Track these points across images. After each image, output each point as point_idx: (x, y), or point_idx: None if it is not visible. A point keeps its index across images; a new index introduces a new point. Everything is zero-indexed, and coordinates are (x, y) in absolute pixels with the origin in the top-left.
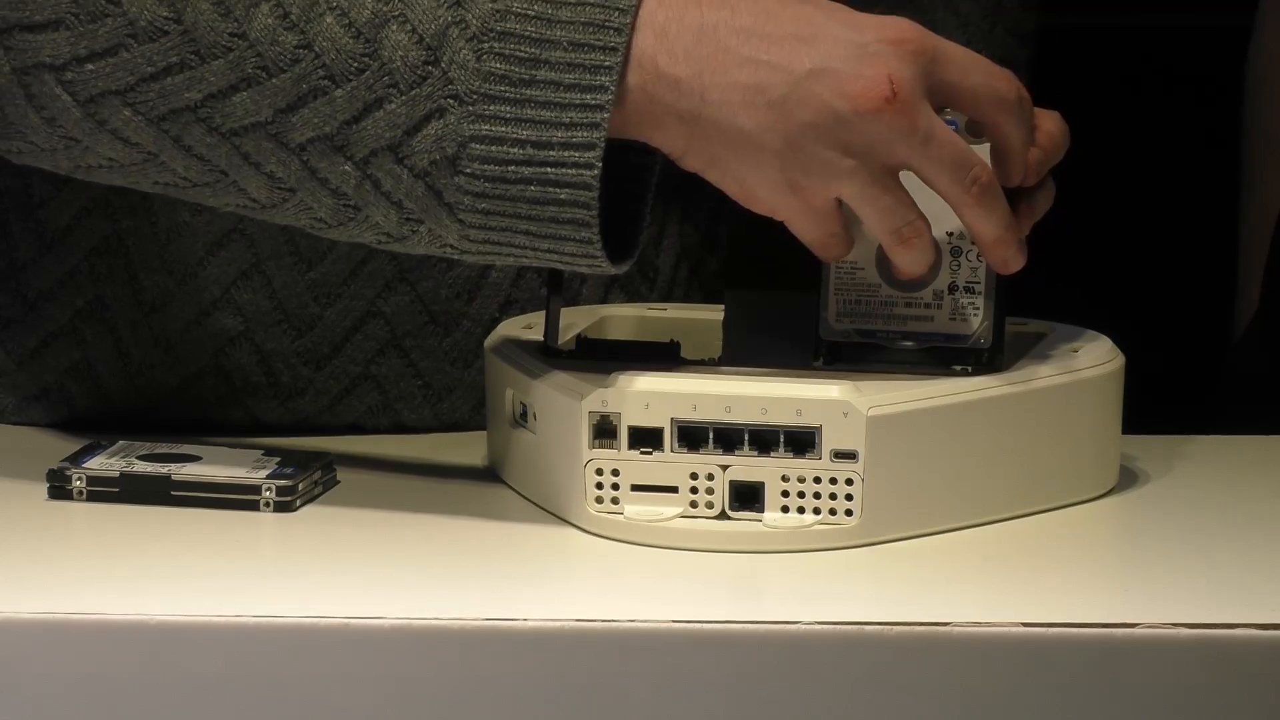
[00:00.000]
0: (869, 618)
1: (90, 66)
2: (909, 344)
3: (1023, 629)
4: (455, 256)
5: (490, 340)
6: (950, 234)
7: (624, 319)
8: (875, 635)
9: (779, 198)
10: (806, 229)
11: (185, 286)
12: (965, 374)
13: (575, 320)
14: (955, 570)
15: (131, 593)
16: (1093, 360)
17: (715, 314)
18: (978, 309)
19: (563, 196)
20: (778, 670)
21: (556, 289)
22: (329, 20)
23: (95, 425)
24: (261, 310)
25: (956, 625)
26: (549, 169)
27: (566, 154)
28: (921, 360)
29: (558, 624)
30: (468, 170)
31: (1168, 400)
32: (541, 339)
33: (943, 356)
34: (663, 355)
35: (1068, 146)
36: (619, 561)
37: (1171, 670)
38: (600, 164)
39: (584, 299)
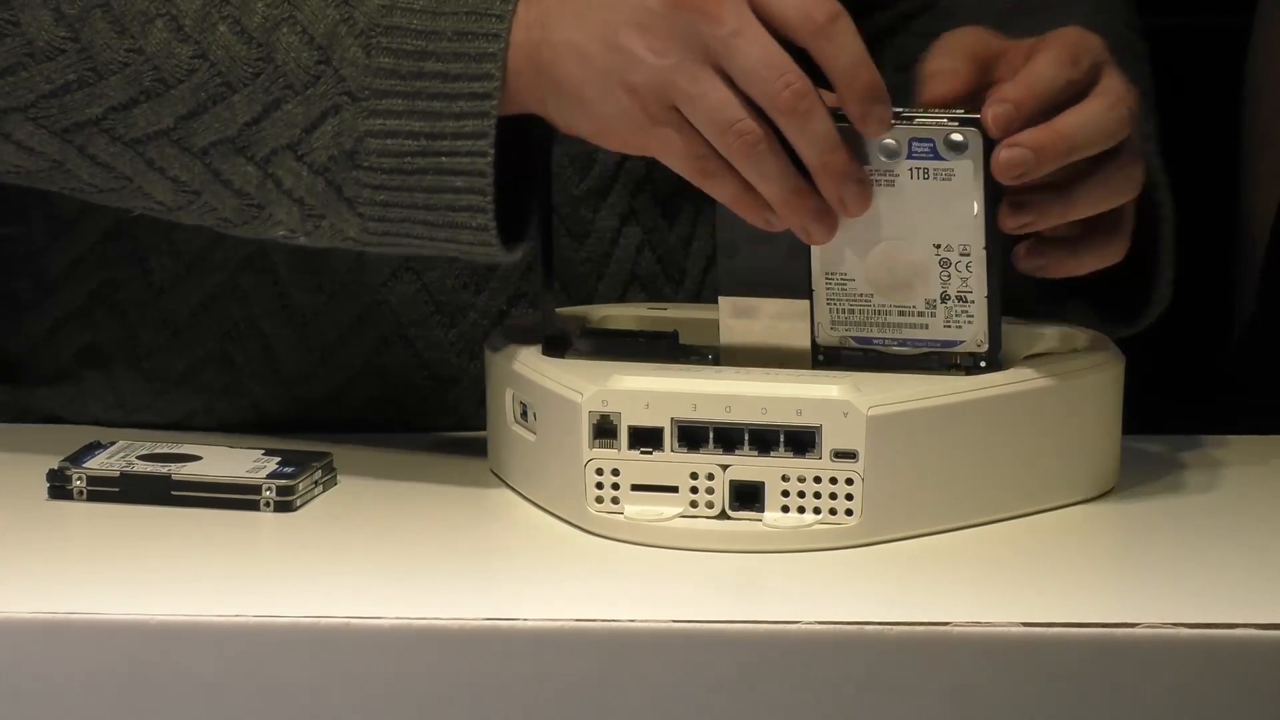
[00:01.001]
0: (869, 618)
1: None
2: (905, 350)
3: (1023, 629)
4: (357, 249)
5: (490, 340)
6: (937, 245)
7: (624, 319)
8: (875, 635)
9: (620, 113)
10: (665, 150)
11: (193, 270)
12: (964, 373)
13: (575, 319)
14: (955, 570)
15: (131, 593)
16: (1093, 360)
17: (715, 313)
18: (971, 317)
19: (458, 184)
20: (778, 670)
21: (550, 286)
22: (222, 29)
23: (102, 411)
24: (266, 296)
25: (956, 625)
26: (443, 158)
27: (460, 143)
28: (919, 365)
29: (558, 624)
30: (365, 164)
31: (1168, 400)
32: (541, 339)
33: (941, 361)
34: (662, 344)
35: (1090, 145)
36: (619, 561)
37: (1171, 670)
38: (492, 151)
39: (599, 297)
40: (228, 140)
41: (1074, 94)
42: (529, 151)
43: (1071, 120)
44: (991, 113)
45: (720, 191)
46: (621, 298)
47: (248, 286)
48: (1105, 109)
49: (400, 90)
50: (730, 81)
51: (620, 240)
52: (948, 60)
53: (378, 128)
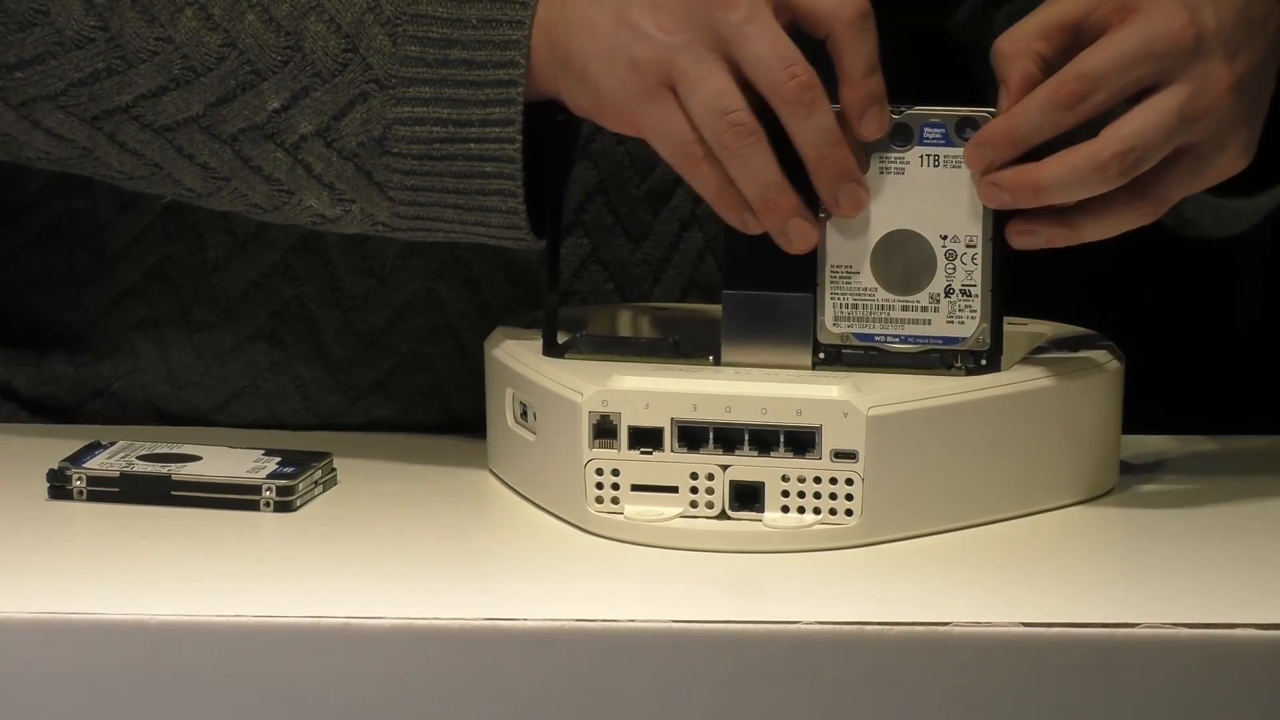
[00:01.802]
0: (869, 618)
1: (20, 74)
2: (907, 347)
3: (1023, 629)
4: (388, 234)
5: (490, 340)
6: (944, 237)
7: (625, 318)
8: (875, 635)
9: (619, 87)
10: (655, 127)
11: (246, 248)
12: (964, 374)
13: (576, 319)
14: (955, 570)
15: (131, 593)
16: (1093, 360)
17: (716, 313)
18: (974, 312)
19: (488, 170)
20: (778, 670)
21: (554, 288)
22: (250, 18)
23: (154, 384)
24: (317, 278)
25: (956, 625)
26: (472, 144)
27: (487, 130)
28: (920, 364)
29: (558, 624)
30: (395, 150)
31: (1168, 400)
32: (542, 339)
33: (941, 359)
34: (662, 352)
35: (1067, 194)
36: (619, 561)
37: (1171, 670)
38: (520, 137)
39: (655, 300)
40: (257, 127)
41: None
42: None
43: (1050, 169)
44: (969, 152)
45: (701, 183)
46: (681, 298)
47: (299, 267)
48: (1087, 163)
49: (427, 78)
50: (733, 74)
51: (681, 245)
52: (1005, 63)
53: (406, 115)
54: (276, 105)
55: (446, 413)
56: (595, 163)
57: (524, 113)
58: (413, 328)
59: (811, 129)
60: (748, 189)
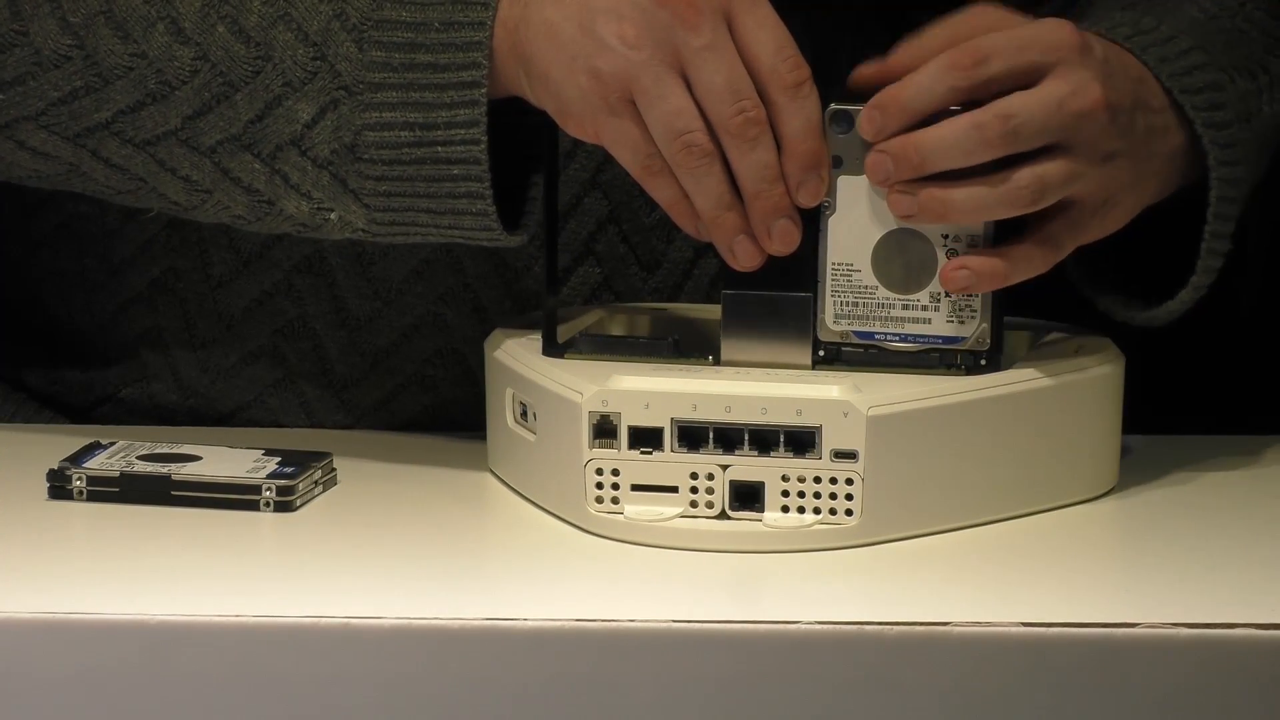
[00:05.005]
0: (869, 618)
1: (2, 96)
2: (907, 346)
3: (1023, 629)
4: (368, 239)
5: (490, 340)
6: (945, 236)
7: (624, 319)
8: (875, 635)
9: (580, 96)
10: (615, 139)
11: (250, 267)
12: (964, 373)
13: (575, 320)
14: (955, 570)
15: (131, 593)
16: (1093, 360)
17: (715, 313)
18: (974, 311)
19: (455, 173)
20: (778, 670)
21: (554, 288)
22: (220, 30)
23: (163, 393)
24: (321, 299)
25: (956, 625)
26: (439, 148)
27: (453, 132)
28: (920, 363)
29: (558, 624)
30: (366, 156)
31: (1168, 400)
32: (542, 339)
33: (941, 359)
34: (662, 352)
35: (945, 160)
36: (619, 561)
37: (1171, 670)
38: (485, 138)
39: (686, 298)
40: (233, 138)
41: (983, 92)
42: (533, 131)
43: (929, 136)
44: (863, 115)
45: (659, 193)
46: (707, 297)
47: (303, 288)
48: (967, 128)
49: (394, 83)
50: (691, 90)
51: (694, 272)
52: (916, 45)
53: (374, 120)
54: (250, 116)
55: (452, 430)
56: (606, 193)
57: (499, 110)
58: (418, 350)
59: (750, 163)
60: (699, 205)
